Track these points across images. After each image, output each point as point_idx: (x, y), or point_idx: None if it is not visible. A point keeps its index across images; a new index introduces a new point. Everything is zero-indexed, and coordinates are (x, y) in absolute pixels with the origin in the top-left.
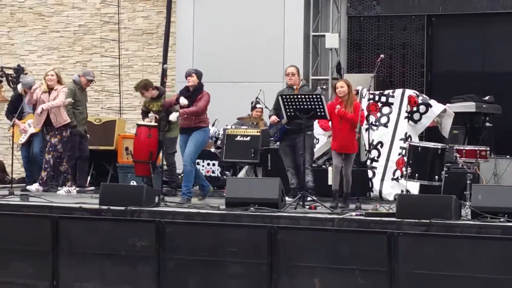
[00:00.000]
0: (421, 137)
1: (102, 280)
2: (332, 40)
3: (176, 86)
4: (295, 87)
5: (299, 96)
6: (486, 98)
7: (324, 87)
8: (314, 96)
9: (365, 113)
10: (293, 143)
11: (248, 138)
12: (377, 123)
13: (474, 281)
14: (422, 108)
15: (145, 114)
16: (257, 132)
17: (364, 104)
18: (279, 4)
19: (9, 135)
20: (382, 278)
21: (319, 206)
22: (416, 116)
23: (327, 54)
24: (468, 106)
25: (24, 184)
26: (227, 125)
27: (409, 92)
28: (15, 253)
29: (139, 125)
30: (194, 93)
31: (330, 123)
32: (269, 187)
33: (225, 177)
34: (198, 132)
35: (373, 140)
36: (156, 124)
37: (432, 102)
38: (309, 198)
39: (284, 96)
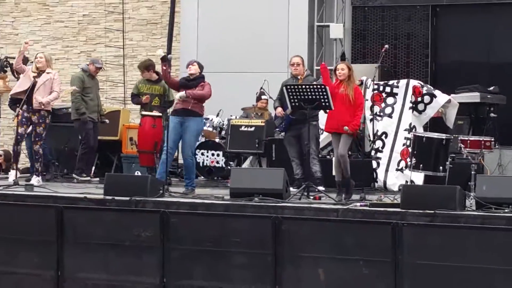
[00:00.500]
0: (426, 128)
1: (107, 270)
2: (337, 30)
3: (180, 76)
4: (299, 77)
5: (303, 86)
6: (491, 88)
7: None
8: (319, 86)
9: (370, 103)
10: (298, 133)
11: (253, 129)
12: (381, 114)
13: (478, 271)
14: (426, 99)
15: (135, 97)
16: (262, 122)
17: (369, 94)
18: None
19: (14, 125)
20: (386, 268)
21: (323, 196)
22: (420, 106)
23: (331, 44)
24: (473, 97)
25: (28, 174)
26: (231, 116)
27: (414, 82)
28: (20, 243)
29: (143, 115)
30: (195, 80)
31: None
32: (274, 177)
33: (229, 167)
34: (193, 120)
35: (377, 131)
36: (160, 114)
37: (437, 92)
38: (317, 189)
39: (288, 86)
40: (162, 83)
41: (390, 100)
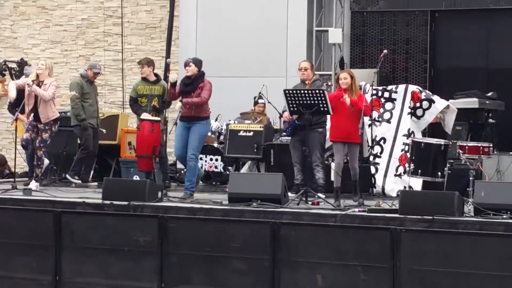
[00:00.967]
0: (424, 133)
1: (105, 275)
2: (336, 35)
3: (179, 80)
4: (307, 82)
5: (302, 92)
6: (489, 94)
7: (329, 83)
8: (317, 91)
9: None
10: (303, 139)
11: (251, 133)
12: (380, 119)
13: (476, 277)
14: (425, 104)
15: (135, 104)
16: (260, 127)
17: (367, 99)
18: None
19: (12, 129)
20: (384, 274)
21: (321, 202)
22: (419, 112)
23: (330, 49)
24: (471, 102)
25: (26, 179)
26: (230, 120)
27: (412, 87)
28: (17, 248)
29: (142, 120)
30: (195, 81)
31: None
32: (272, 182)
33: (228, 172)
34: (199, 124)
35: (376, 136)
36: (159, 119)
37: (435, 98)
38: (317, 195)
39: (287, 91)
40: (161, 83)
41: (388, 105)
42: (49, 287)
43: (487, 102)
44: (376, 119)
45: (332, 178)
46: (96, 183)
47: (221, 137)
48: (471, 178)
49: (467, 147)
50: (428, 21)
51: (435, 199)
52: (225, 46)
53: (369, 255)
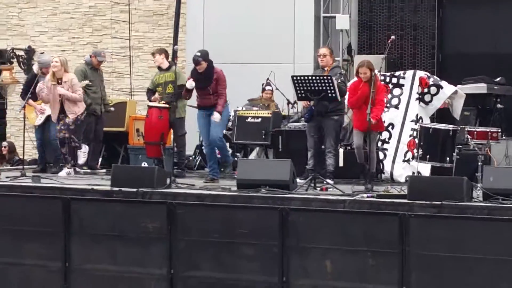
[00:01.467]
0: (432, 119)
1: (114, 261)
2: (343, 21)
3: (187, 67)
4: (326, 68)
5: (310, 78)
6: (498, 79)
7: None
8: (325, 77)
9: None
10: (318, 125)
11: (259, 120)
12: (388, 105)
13: (485, 262)
14: (433, 90)
15: (151, 92)
16: (268, 113)
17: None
18: None
19: (21, 116)
20: (393, 260)
21: (330, 188)
22: (427, 97)
23: (337, 35)
24: (479, 88)
25: (35, 166)
26: (238, 107)
27: (420, 73)
28: (26, 235)
29: (150, 107)
30: (206, 75)
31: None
32: (280, 168)
33: (236, 158)
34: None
35: (384, 122)
36: (167, 105)
37: (443, 83)
38: (325, 180)
39: (295, 77)
40: (172, 69)
41: (396, 91)
42: (58, 273)
43: (495, 87)
44: (385, 104)
45: (341, 163)
46: (104, 170)
47: (229, 124)
48: (479, 163)
49: (475, 132)
50: (436, 7)
51: (444, 184)
52: (233, 33)
53: (378, 241)
